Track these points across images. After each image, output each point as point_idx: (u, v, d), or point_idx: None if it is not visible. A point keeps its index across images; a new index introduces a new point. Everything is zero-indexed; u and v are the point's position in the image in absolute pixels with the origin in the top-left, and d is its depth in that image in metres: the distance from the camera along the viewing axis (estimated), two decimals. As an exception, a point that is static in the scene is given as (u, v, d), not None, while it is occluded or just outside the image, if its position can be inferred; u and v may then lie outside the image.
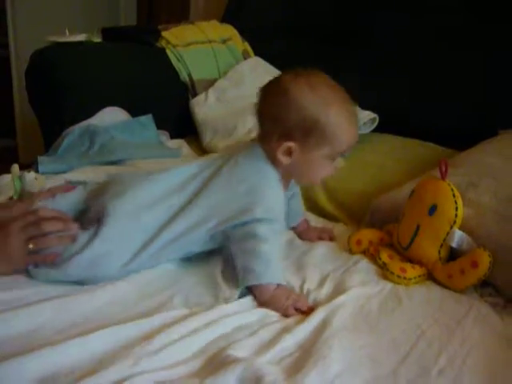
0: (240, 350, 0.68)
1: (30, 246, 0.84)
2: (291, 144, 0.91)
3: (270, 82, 0.95)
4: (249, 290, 0.87)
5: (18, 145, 2.36)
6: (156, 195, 0.92)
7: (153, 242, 0.89)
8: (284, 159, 0.92)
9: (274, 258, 0.88)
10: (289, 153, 0.92)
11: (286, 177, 0.98)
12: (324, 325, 0.77)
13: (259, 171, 0.93)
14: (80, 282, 0.85)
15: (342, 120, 0.91)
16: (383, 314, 0.83)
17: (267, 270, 0.86)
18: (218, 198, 0.91)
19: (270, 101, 0.93)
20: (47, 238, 0.85)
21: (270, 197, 0.92)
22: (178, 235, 0.90)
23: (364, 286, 0.90)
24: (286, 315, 0.82)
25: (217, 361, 0.66)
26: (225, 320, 0.76)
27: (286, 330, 0.75)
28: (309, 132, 0.90)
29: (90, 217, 0.93)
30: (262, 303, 0.85)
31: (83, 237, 0.87)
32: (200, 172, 0.96)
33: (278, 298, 0.84)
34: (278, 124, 0.91)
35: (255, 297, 0.86)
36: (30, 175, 1.18)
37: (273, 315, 0.81)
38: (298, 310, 0.83)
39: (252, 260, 0.87)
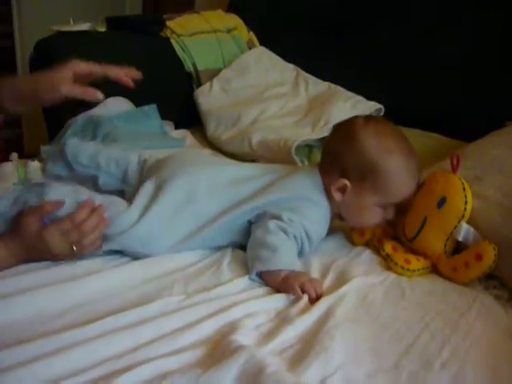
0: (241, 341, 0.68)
1: (75, 248, 0.85)
2: (346, 182, 0.94)
3: (344, 122, 1.02)
4: (261, 278, 0.87)
5: (24, 134, 2.36)
6: (216, 184, 0.96)
7: (208, 226, 0.92)
8: (337, 195, 0.96)
9: (282, 247, 0.88)
10: (343, 190, 0.95)
11: (336, 213, 1.00)
12: (326, 315, 0.76)
13: (312, 199, 0.96)
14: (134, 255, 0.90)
15: (400, 172, 0.94)
16: (386, 305, 0.82)
17: (273, 256, 0.87)
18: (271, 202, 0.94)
19: (337, 138, 1.00)
20: (88, 239, 0.86)
21: (311, 217, 0.94)
22: (232, 223, 0.93)
23: (367, 277, 0.89)
24: (296, 297, 0.82)
25: (219, 349, 0.66)
26: (226, 310, 0.76)
27: (287, 321, 0.74)
28: (365, 175, 0.93)
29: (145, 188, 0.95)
30: (276, 288, 0.85)
31: (135, 211, 0.91)
32: (260, 176, 1.00)
33: (288, 280, 0.84)
34: (338, 161, 0.96)
35: (267, 284, 0.86)
36: (35, 164, 1.19)
37: (274, 307, 0.80)
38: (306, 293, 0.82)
39: (259, 249, 0.89)
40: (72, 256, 0.86)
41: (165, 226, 0.91)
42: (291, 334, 0.72)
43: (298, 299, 0.81)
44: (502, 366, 0.71)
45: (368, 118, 0.99)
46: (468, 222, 0.94)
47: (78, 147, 1.07)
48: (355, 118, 1.00)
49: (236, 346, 0.65)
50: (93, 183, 1.04)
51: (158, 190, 0.94)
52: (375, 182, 0.94)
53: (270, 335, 0.71)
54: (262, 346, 0.68)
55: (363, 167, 0.94)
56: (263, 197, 0.95)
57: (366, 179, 0.94)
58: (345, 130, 0.99)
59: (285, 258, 0.88)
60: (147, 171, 1.01)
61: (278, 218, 0.91)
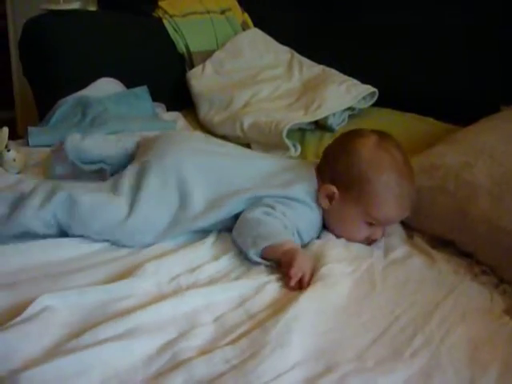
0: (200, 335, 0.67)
1: None
2: (334, 189, 0.92)
3: (351, 130, 1.01)
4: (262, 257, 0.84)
5: (17, 116, 2.34)
6: (207, 175, 0.95)
7: (199, 218, 0.90)
8: (323, 202, 0.93)
9: (278, 225, 0.87)
10: (330, 198, 0.92)
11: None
12: (289, 305, 0.72)
13: (310, 204, 0.93)
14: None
15: (388, 190, 0.90)
16: (354, 296, 0.79)
17: (273, 231, 0.85)
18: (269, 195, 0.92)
19: (337, 144, 0.99)
20: None
21: (305, 218, 0.92)
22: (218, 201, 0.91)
23: (339, 264, 0.85)
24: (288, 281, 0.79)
25: (167, 354, 0.64)
26: (190, 298, 0.74)
27: (247, 313, 0.72)
28: (352, 185, 0.91)
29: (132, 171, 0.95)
30: (278, 260, 0.83)
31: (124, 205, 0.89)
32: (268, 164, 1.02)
33: (292, 260, 0.79)
34: (330, 165, 0.94)
35: (271, 260, 0.83)
36: (10, 155, 1.14)
37: (239, 294, 0.77)
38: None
39: (256, 227, 0.86)
40: None
41: (154, 213, 0.90)
42: (249, 324, 0.70)
43: (288, 282, 0.78)
44: (481, 349, 0.69)
45: (374, 131, 0.96)
46: (458, 209, 0.91)
47: (79, 147, 1.08)
48: (362, 129, 0.99)
49: (178, 361, 0.62)
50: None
51: (142, 173, 0.93)
52: (360, 194, 0.90)
53: (228, 329, 0.69)
54: (218, 340, 0.66)
55: (351, 176, 0.91)
56: (263, 189, 0.92)
57: (353, 189, 0.91)
58: (346, 138, 0.98)
59: (284, 235, 0.86)
60: (136, 153, 1.01)
61: (272, 207, 0.88)
